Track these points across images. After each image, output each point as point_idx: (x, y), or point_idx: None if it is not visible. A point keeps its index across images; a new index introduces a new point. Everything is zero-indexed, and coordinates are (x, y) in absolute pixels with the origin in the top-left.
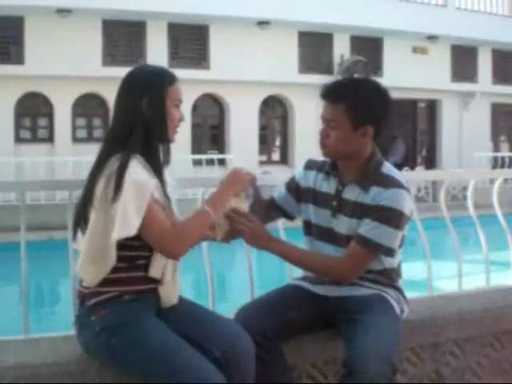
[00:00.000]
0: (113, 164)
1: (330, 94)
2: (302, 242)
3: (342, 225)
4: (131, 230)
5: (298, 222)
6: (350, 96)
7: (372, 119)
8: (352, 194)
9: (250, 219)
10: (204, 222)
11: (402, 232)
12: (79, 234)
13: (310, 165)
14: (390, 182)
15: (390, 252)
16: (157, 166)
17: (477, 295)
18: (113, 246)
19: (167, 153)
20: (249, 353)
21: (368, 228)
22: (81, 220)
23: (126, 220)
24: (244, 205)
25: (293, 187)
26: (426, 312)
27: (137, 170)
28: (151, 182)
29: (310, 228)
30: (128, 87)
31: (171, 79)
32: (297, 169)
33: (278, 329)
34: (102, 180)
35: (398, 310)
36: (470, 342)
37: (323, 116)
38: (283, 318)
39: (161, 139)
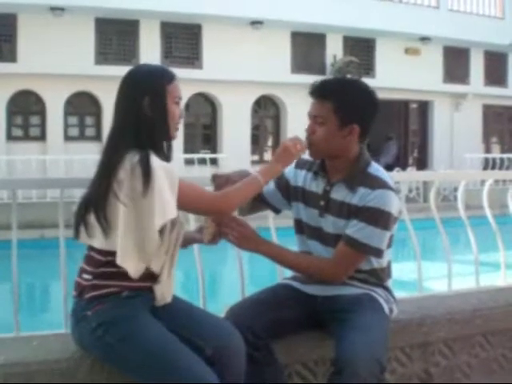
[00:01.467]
0: (131, 158)
1: (318, 90)
2: (292, 241)
3: (330, 224)
4: (172, 213)
5: (289, 222)
6: (338, 94)
7: (358, 118)
8: (339, 194)
9: (239, 223)
10: (254, 187)
11: (390, 232)
12: (90, 227)
13: (301, 164)
14: (377, 183)
15: (378, 252)
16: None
17: (466, 295)
18: (155, 233)
19: (169, 149)
20: (240, 351)
21: (355, 229)
22: (97, 214)
23: (165, 205)
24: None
25: (282, 184)
26: (415, 312)
27: (159, 160)
28: (174, 166)
29: (301, 227)
30: (129, 87)
31: (171, 77)
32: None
33: (268, 327)
34: (124, 174)
35: (386, 310)
36: (459, 342)
37: (310, 113)
38: (273, 317)
39: (164, 137)
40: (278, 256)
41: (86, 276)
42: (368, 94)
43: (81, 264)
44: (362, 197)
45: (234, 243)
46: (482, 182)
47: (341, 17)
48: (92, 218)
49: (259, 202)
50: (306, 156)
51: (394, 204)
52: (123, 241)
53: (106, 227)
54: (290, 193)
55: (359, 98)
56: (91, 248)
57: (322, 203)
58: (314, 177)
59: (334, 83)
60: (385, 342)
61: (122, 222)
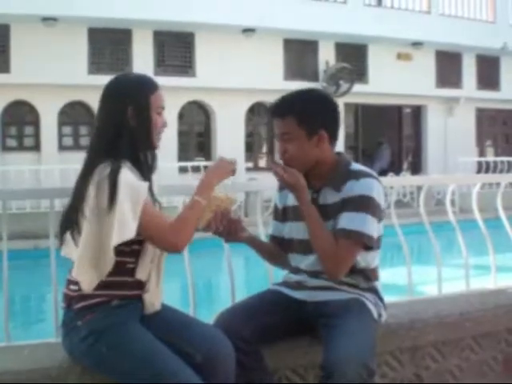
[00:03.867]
0: (102, 171)
1: (278, 109)
2: None
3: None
4: (130, 234)
5: None
6: (297, 106)
7: (323, 124)
8: (327, 197)
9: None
10: (198, 211)
11: (377, 220)
12: (68, 241)
13: (281, 185)
14: (361, 174)
15: (370, 239)
16: (144, 173)
17: (456, 299)
18: (111, 251)
19: (153, 159)
20: (229, 358)
21: (346, 220)
22: (71, 227)
23: (124, 224)
24: (229, 201)
25: (277, 214)
26: (405, 316)
27: (128, 175)
28: (144, 184)
29: (287, 244)
30: (112, 96)
31: (153, 87)
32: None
33: (258, 333)
34: (92, 187)
35: (375, 314)
36: (449, 345)
37: (276, 133)
38: (263, 323)
39: (146, 146)
40: (313, 213)
41: (72, 287)
42: (324, 98)
43: (67, 276)
44: (347, 189)
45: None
46: (482, 186)
47: (333, 23)
48: (69, 230)
49: (279, 245)
50: None
51: (376, 190)
52: (81, 255)
53: (77, 237)
54: (282, 217)
55: (317, 104)
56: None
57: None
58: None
59: (289, 98)
60: (373, 347)
61: (84, 235)
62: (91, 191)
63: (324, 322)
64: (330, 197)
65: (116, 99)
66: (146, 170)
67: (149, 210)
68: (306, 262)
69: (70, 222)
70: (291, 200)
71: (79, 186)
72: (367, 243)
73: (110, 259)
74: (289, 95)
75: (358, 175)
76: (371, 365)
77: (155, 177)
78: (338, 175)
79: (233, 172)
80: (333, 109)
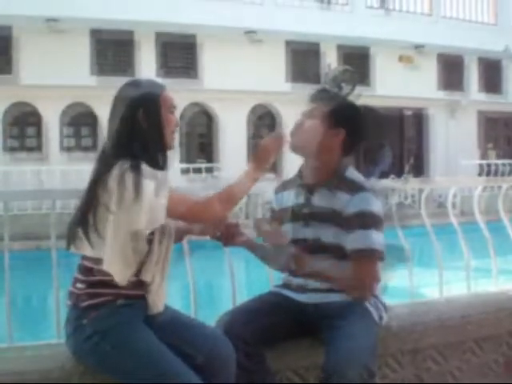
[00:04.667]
0: (121, 166)
1: (318, 95)
2: None
3: (318, 232)
4: (160, 221)
5: None
6: (334, 99)
7: (346, 124)
8: (322, 200)
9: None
10: (241, 189)
11: (381, 232)
12: (80, 238)
13: (278, 188)
14: (354, 187)
15: (383, 255)
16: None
17: (457, 301)
18: (144, 239)
19: (164, 160)
20: (230, 359)
21: (356, 240)
22: (85, 225)
23: (153, 212)
24: None
25: (274, 216)
26: (406, 318)
27: (149, 168)
28: (164, 173)
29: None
30: (122, 101)
31: (161, 87)
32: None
33: (259, 335)
34: (113, 181)
35: (376, 317)
36: (450, 348)
37: (305, 111)
38: (264, 325)
39: (160, 147)
40: (320, 270)
41: (79, 285)
42: (361, 111)
43: (74, 274)
44: (344, 204)
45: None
46: (484, 188)
47: (335, 26)
48: (82, 228)
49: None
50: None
51: (373, 203)
52: (110, 247)
53: (95, 236)
54: (278, 218)
55: (351, 108)
56: (83, 257)
57: (306, 210)
58: (296, 191)
59: (331, 92)
60: (373, 348)
61: (111, 229)
62: (113, 185)
63: (325, 324)
64: (325, 199)
65: (126, 103)
66: (159, 169)
67: (176, 194)
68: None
69: (83, 219)
70: (288, 200)
71: (94, 185)
72: (380, 259)
73: (143, 247)
74: (332, 90)
75: (352, 188)
76: (372, 366)
77: None
78: (333, 178)
79: (278, 147)
80: (362, 120)
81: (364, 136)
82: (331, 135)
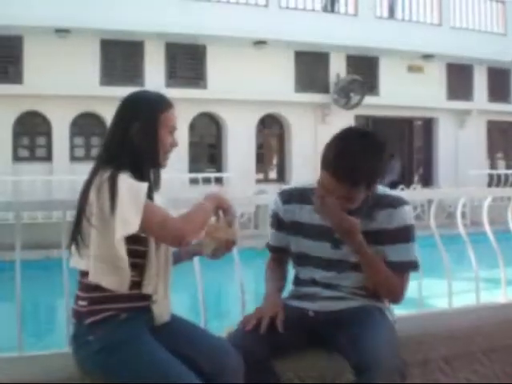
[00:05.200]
0: (101, 175)
1: (350, 178)
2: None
3: (347, 254)
4: (133, 227)
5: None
6: (369, 175)
7: (380, 176)
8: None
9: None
10: (203, 211)
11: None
12: (74, 252)
13: (287, 198)
14: (395, 201)
15: (417, 265)
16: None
17: (466, 312)
18: (119, 249)
19: (157, 178)
20: (238, 370)
21: (397, 253)
22: (75, 238)
23: (127, 220)
24: (233, 235)
25: (277, 224)
26: (415, 329)
27: (127, 177)
28: (143, 184)
29: (304, 259)
30: (121, 111)
31: (166, 106)
32: (274, 204)
33: (270, 351)
34: (93, 193)
35: (391, 318)
36: (459, 359)
37: (334, 192)
38: (275, 340)
39: (151, 164)
40: (370, 263)
41: (81, 303)
42: (382, 148)
43: (76, 291)
44: (384, 219)
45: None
46: (493, 199)
47: (344, 36)
48: (74, 242)
49: (283, 254)
50: (289, 186)
51: (412, 215)
52: (94, 260)
53: (85, 249)
54: (286, 229)
55: (380, 163)
56: (81, 274)
57: (336, 236)
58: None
59: (358, 165)
60: (396, 341)
61: (94, 242)
62: (93, 197)
63: (342, 328)
64: (360, 224)
65: (124, 114)
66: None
67: (153, 206)
68: (323, 274)
69: (75, 232)
70: (304, 217)
71: (81, 197)
72: (414, 269)
73: (123, 254)
74: (355, 158)
75: (393, 202)
76: (401, 360)
77: (166, 188)
78: (367, 205)
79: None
80: (383, 159)
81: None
82: (364, 190)
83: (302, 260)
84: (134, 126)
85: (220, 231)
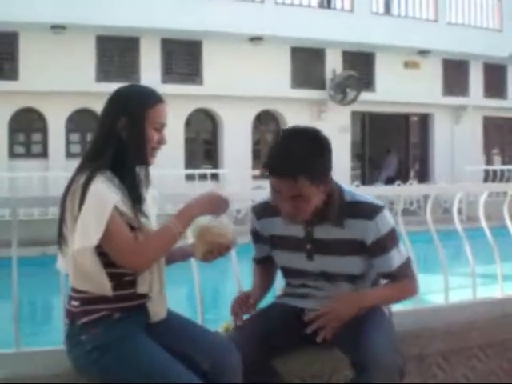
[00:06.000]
0: (79, 180)
1: (286, 171)
2: None
3: (323, 264)
4: (92, 241)
5: None
6: (308, 166)
7: (330, 170)
8: (324, 232)
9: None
10: (166, 236)
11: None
12: (60, 254)
13: (260, 213)
14: (369, 211)
15: (410, 259)
16: (131, 186)
17: (463, 308)
18: (83, 258)
19: (147, 175)
20: (236, 366)
21: (396, 257)
22: (58, 239)
23: (87, 231)
24: (226, 239)
25: (257, 238)
26: (412, 324)
27: (101, 185)
28: (114, 196)
29: (287, 272)
30: (109, 105)
31: (155, 101)
32: (250, 221)
33: (269, 352)
34: (69, 198)
35: (386, 311)
36: (456, 355)
37: (281, 192)
38: (273, 342)
39: (137, 161)
40: (378, 297)
41: (74, 303)
42: (326, 142)
43: (68, 291)
44: (360, 230)
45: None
46: (489, 194)
47: (340, 32)
48: (58, 244)
49: (269, 266)
50: (260, 201)
51: (390, 218)
52: (73, 267)
53: (65, 252)
54: (267, 242)
55: (323, 153)
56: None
57: (309, 246)
58: (285, 221)
59: (296, 156)
60: (395, 336)
61: (70, 247)
62: (68, 201)
63: (342, 328)
64: (327, 231)
65: (111, 108)
66: (133, 183)
67: (116, 225)
68: (312, 283)
69: (58, 234)
70: (278, 228)
71: (62, 197)
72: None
73: (88, 261)
74: (290, 151)
75: (366, 212)
76: (399, 355)
77: (162, 185)
78: (334, 210)
79: (223, 210)
80: (331, 149)
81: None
82: (323, 189)
83: (286, 272)
84: (120, 120)
85: (212, 234)
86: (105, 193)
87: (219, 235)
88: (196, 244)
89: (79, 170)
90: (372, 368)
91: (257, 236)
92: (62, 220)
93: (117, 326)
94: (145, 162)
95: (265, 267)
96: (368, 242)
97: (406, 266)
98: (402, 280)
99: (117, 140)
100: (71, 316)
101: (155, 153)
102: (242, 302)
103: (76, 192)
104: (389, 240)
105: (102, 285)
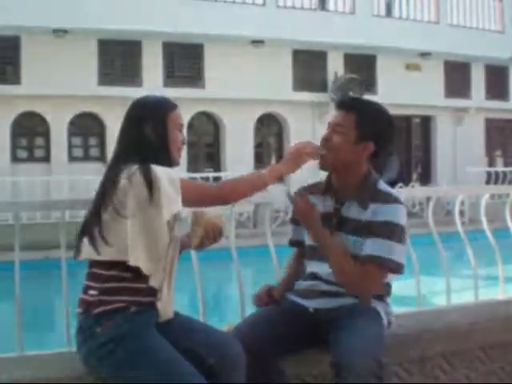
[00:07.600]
0: (129, 170)
1: (347, 102)
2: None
3: (345, 243)
4: (177, 206)
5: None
6: (364, 109)
7: (376, 137)
8: (351, 211)
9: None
10: (255, 180)
11: (403, 244)
12: (85, 245)
13: (302, 192)
14: (389, 198)
15: (400, 267)
16: None
17: (464, 309)
18: (164, 229)
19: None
20: (241, 361)
21: (376, 246)
22: (91, 232)
23: (170, 200)
24: (219, 220)
25: (294, 218)
26: (414, 326)
27: (158, 167)
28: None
29: (310, 251)
30: (132, 116)
31: (172, 105)
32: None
33: (273, 347)
34: (124, 185)
35: (385, 320)
36: (458, 356)
37: (332, 122)
38: (277, 336)
39: (166, 161)
40: (331, 243)
41: (92, 292)
42: (391, 119)
43: (84, 282)
44: (374, 212)
45: (298, 212)
46: (492, 196)
47: (341, 34)
48: (91, 233)
49: (301, 250)
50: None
51: (402, 216)
52: (133, 245)
53: (104, 241)
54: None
55: (381, 118)
56: (93, 265)
57: (334, 221)
58: (321, 198)
59: (361, 100)
60: (381, 343)
61: (130, 229)
62: (124, 188)
63: (335, 325)
64: (354, 211)
65: (135, 117)
66: None
67: (187, 181)
68: (326, 269)
69: (91, 224)
70: (316, 207)
71: (101, 191)
72: (395, 269)
73: (165, 237)
74: (361, 98)
75: (386, 198)
76: (380, 357)
77: None
78: (365, 191)
79: (310, 155)
80: (391, 130)
81: (391, 146)
82: (360, 150)
83: (311, 252)
84: (147, 125)
85: (207, 216)
86: (165, 168)
87: (214, 217)
88: (193, 229)
89: (112, 169)
90: (345, 374)
91: (294, 217)
92: (97, 213)
93: (132, 320)
94: (173, 161)
95: (296, 255)
96: (375, 220)
97: (381, 266)
98: (365, 272)
99: (148, 144)
100: (86, 305)
101: (181, 153)
102: (265, 295)
103: (134, 177)
104: (391, 229)
105: (158, 258)
